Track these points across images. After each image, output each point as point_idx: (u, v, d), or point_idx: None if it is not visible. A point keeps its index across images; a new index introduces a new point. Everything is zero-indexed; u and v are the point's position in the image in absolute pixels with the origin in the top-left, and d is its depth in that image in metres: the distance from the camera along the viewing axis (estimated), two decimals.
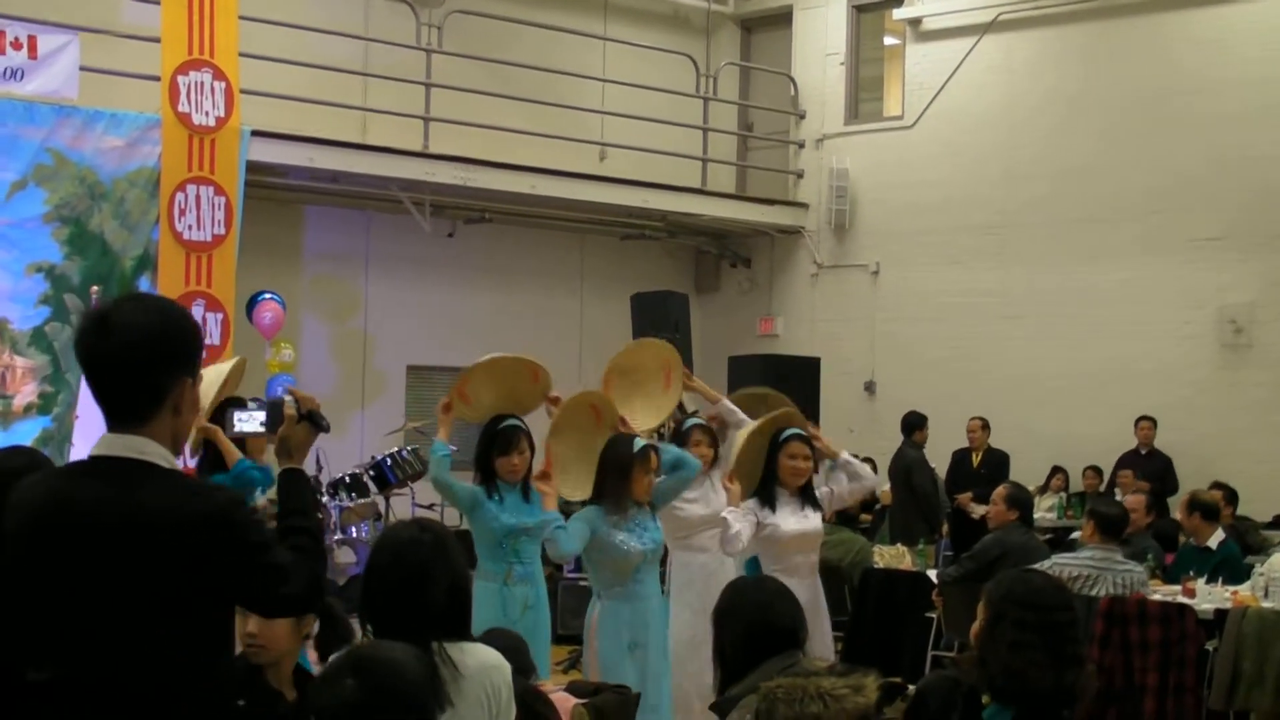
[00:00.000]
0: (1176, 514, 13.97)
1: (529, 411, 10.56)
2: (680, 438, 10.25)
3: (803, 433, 9.87)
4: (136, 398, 4.24)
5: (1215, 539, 13.25)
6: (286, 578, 4.18)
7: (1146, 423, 19.37)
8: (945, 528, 18.23)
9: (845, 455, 10.26)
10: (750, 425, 10.29)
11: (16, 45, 15.88)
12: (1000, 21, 21.79)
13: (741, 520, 9.38)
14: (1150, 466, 18.90)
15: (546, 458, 9.81)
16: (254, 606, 4.49)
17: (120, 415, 4.26)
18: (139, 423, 4.24)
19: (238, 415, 5.03)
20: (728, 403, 10.99)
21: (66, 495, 4.17)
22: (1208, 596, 11.93)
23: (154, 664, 4.05)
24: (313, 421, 4.73)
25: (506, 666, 5.02)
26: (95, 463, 4.25)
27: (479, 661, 4.93)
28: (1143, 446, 19.37)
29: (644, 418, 10.63)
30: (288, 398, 4.77)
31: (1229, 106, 19.68)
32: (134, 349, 4.21)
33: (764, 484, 9.73)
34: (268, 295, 17.32)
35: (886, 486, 18.79)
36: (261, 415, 4.83)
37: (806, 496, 9.77)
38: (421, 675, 4.18)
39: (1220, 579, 12.41)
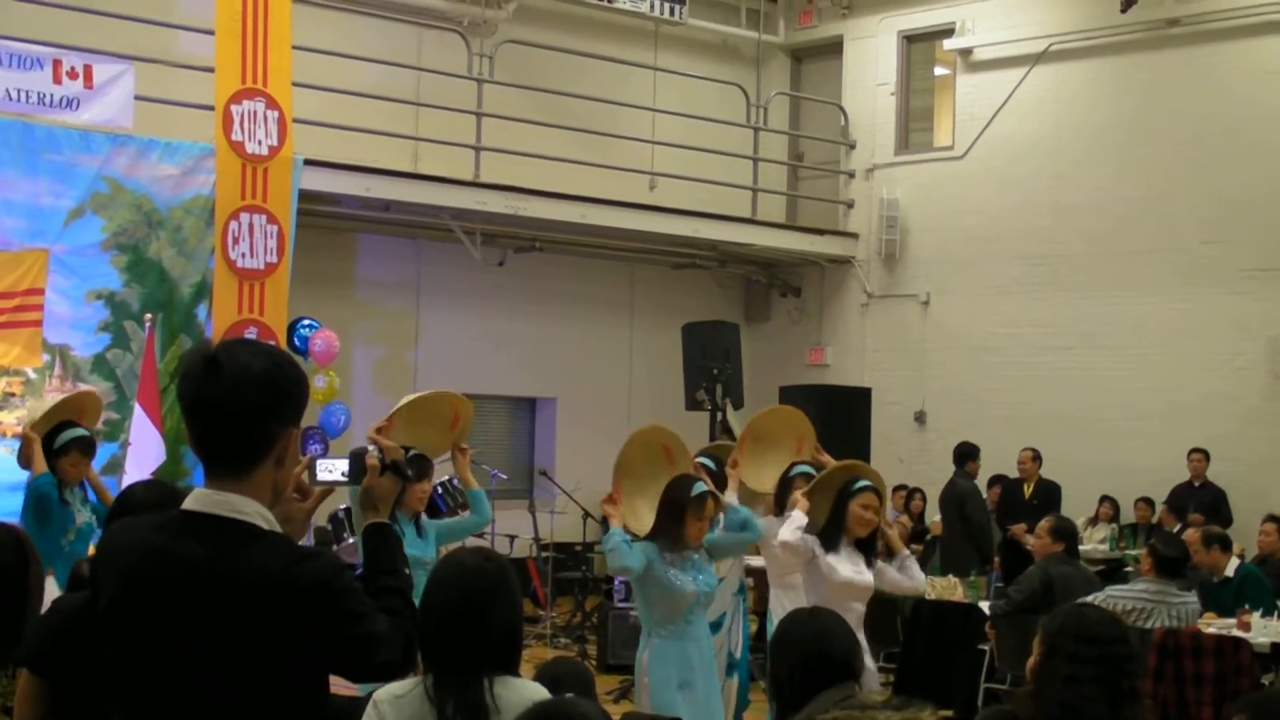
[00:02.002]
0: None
1: (436, 455, 10.71)
2: (785, 484, 10.17)
3: (875, 486, 9.78)
4: (244, 446, 4.06)
5: (1231, 566, 13.25)
6: (382, 646, 4.03)
7: (1199, 455, 19.29)
8: (996, 559, 18.18)
9: (905, 554, 10.18)
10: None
11: (73, 75, 15.98)
12: (1051, 52, 21.77)
13: (800, 537, 9.36)
14: (1202, 498, 18.81)
15: (616, 486, 9.76)
16: (347, 673, 4.29)
17: (223, 463, 4.07)
18: (242, 473, 4.06)
19: (320, 465, 4.61)
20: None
21: (170, 553, 3.99)
22: (1263, 630, 11.89)
23: None
24: (396, 471, 4.55)
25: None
26: (193, 519, 4.06)
27: (521, 697, 4.81)
28: (1195, 479, 19.28)
29: (769, 480, 10.67)
30: (371, 448, 4.63)
31: (1278, 139, 19.62)
32: (246, 394, 4.02)
33: (829, 526, 9.58)
34: (308, 322, 17.36)
35: (937, 517, 18.76)
36: (343, 465, 4.65)
37: (866, 549, 9.60)
38: None
39: (1246, 603, 12.43)
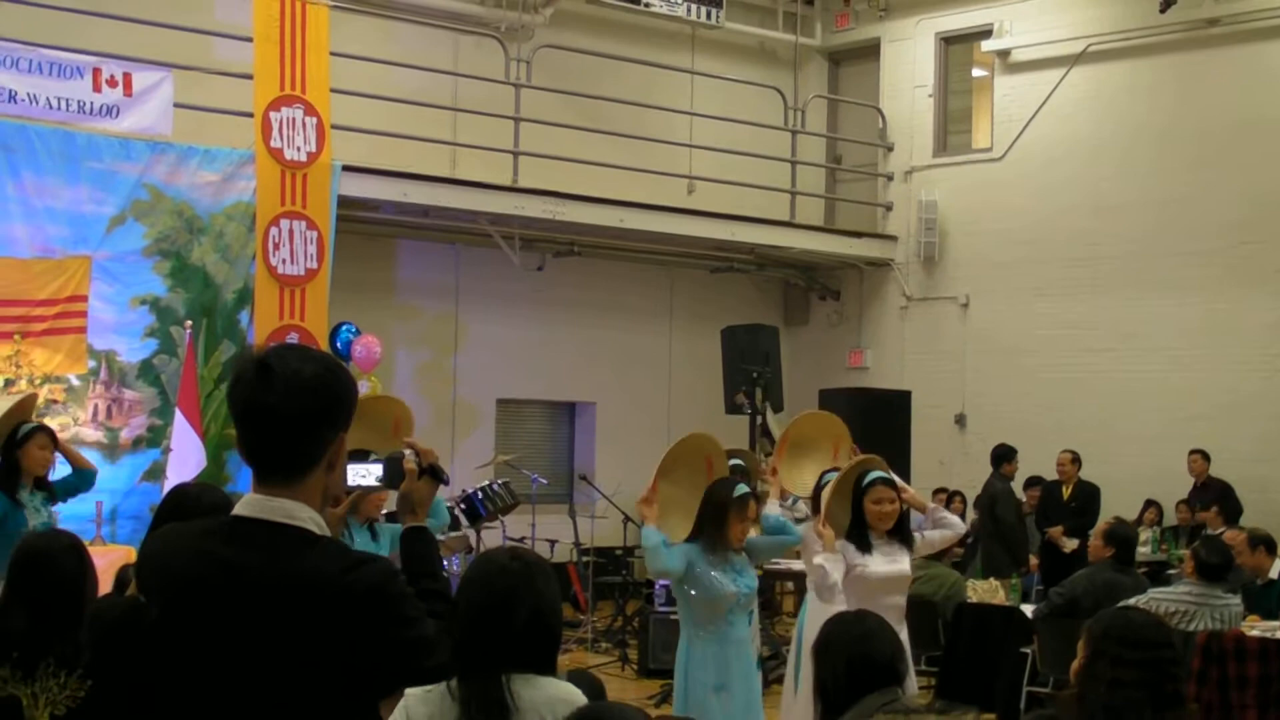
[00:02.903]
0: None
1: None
2: (860, 494, 10.09)
3: (886, 476, 9.79)
4: (296, 452, 4.03)
5: (1276, 568, 13.21)
6: (432, 650, 4.03)
7: (1196, 455, 19.31)
8: (1034, 561, 18.14)
9: (933, 506, 10.18)
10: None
11: (112, 83, 16.04)
12: (1090, 53, 21.71)
13: (837, 568, 9.39)
14: (1204, 496, 18.79)
15: (654, 487, 9.66)
16: (398, 678, 4.22)
17: (274, 469, 4.03)
18: (294, 478, 4.02)
19: (353, 469, 4.57)
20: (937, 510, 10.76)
21: (224, 561, 3.96)
22: None
23: None
24: (434, 475, 4.58)
25: (576, 700, 4.83)
26: (245, 525, 4.03)
27: (546, 695, 4.80)
28: (1197, 479, 19.35)
29: (807, 484, 10.66)
30: (408, 451, 4.61)
31: None
32: (299, 399, 3.99)
33: (854, 527, 9.64)
34: (349, 327, 17.41)
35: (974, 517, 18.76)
36: (378, 470, 4.63)
37: (897, 537, 9.67)
38: None
39: None
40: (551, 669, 4.91)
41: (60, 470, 11.81)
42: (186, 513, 5.28)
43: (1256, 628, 11.71)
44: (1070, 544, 17.69)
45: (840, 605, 9.38)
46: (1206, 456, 19.27)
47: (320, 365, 4.10)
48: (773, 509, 10.00)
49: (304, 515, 4.01)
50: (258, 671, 3.90)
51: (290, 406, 3.99)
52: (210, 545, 4.04)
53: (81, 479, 11.73)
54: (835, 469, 10.30)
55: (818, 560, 9.38)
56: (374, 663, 3.99)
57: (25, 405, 12.08)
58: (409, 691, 4.71)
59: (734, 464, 10.21)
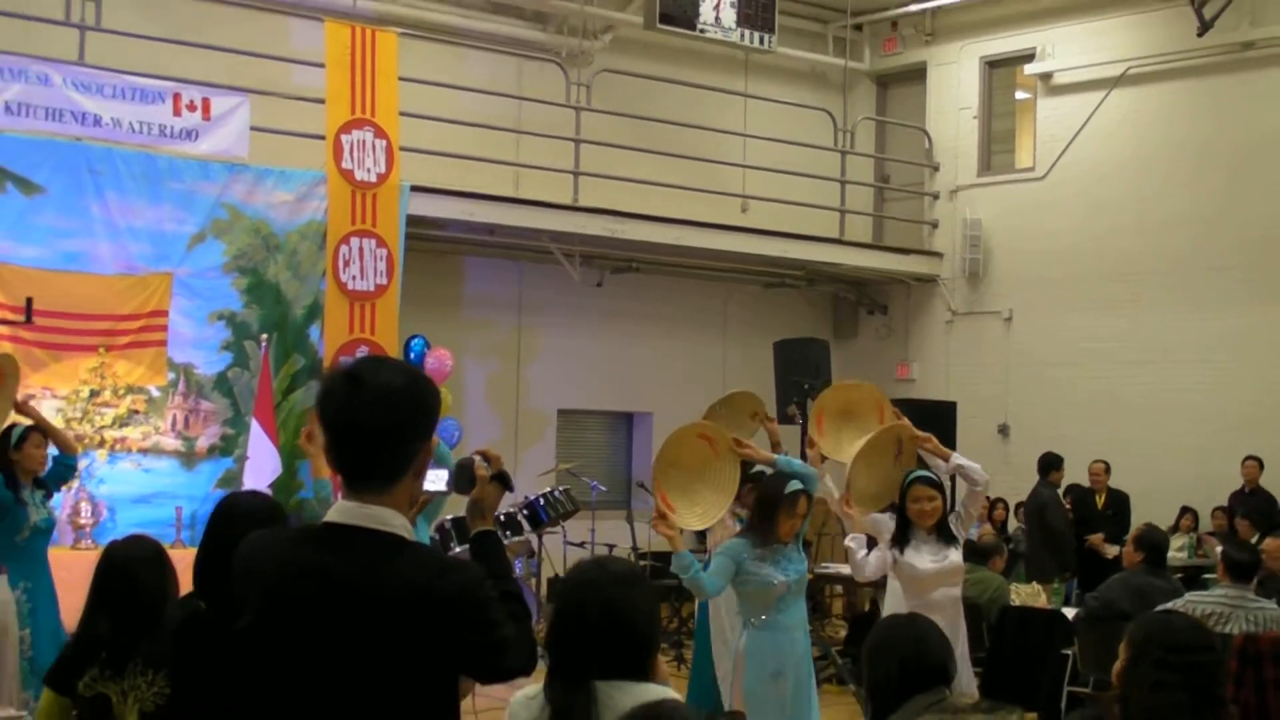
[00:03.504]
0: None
1: None
2: (902, 495, 10.03)
3: (924, 475, 9.81)
4: (386, 461, 4.05)
5: None
6: (512, 651, 4.05)
7: (1253, 461, 19.21)
8: (1074, 567, 18.09)
9: (955, 457, 10.14)
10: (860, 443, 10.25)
11: (191, 107, 16.14)
12: (1129, 75, 21.66)
13: (863, 548, 9.52)
14: (1251, 504, 18.68)
15: (662, 499, 9.56)
16: (478, 675, 4.25)
17: (365, 478, 4.05)
18: (382, 486, 4.04)
19: None
20: (959, 459, 10.42)
21: (321, 567, 3.98)
22: None
23: None
24: (501, 481, 4.59)
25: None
26: (339, 532, 4.04)
27: (634, 700, 4.64)
28: (1248, 485, 19.24)
29: (847, 451, 10.55)
30: (478, 458, 4.61)
31: None
32: (389, 411, 4.01)
33: (900, 530, 9.72)
34: (420, 339, 17.45)
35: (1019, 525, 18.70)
36: (444, 474, 4.63)
37: (941, 534, 9.70)
38: None
39: None
40: (643, 675, 4.86)
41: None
42: (235, 522, 5.30)
43: None
44: (1112, 550, 17.61)
45: (871, 576, 9.50)
46: (1261, 464, 19.19)
47: (408, 377, 4.12)
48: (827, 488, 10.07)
49: (396, 522, 4.03)
50: (349, 671, 3.92)
51: (382, 419, 4.01)
52: (305, 551, 4.06)
53: (64, 465, 11.77)
54: (921, 470, 10.18)
55: (846, 542, 9.47)
56: (459, 662, 4.03)
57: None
58: (514, 698, 4.71)
59: (756, 471, 10.10)
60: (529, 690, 4.75)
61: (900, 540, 9.64)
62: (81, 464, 15.52)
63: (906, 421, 10.54)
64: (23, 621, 10.81)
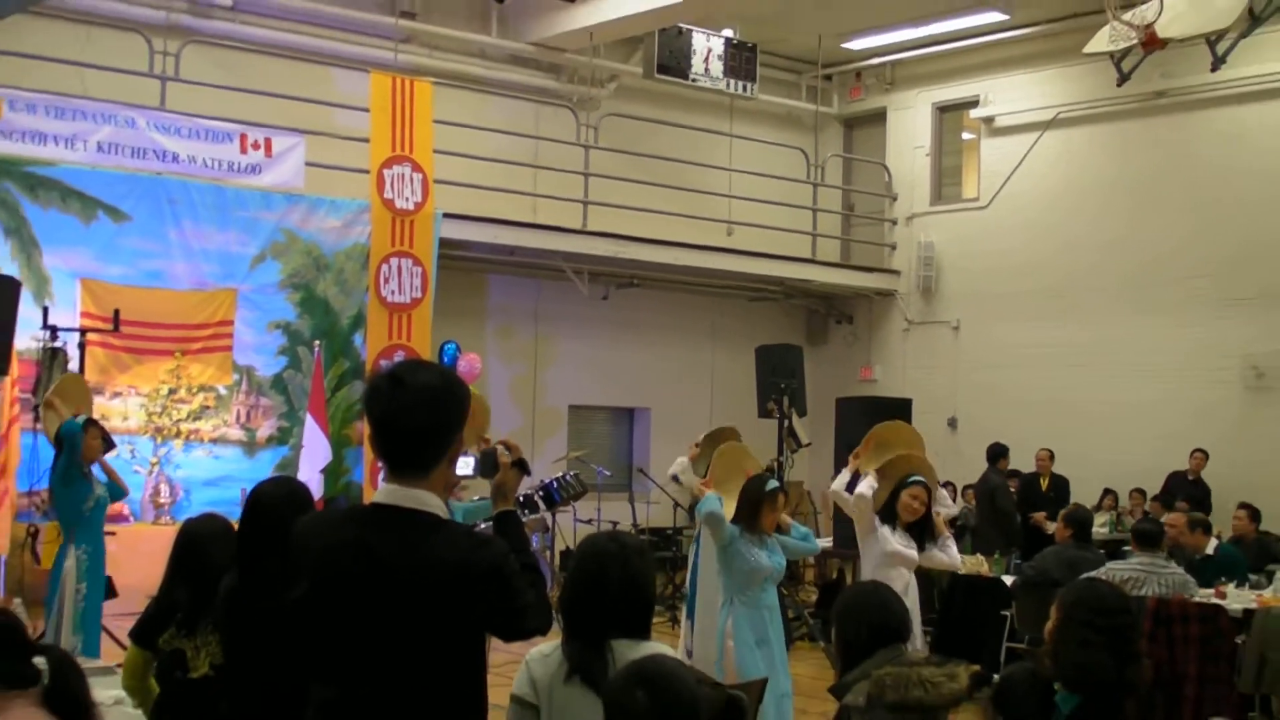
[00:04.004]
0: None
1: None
2: (900, 486, 10.10)
3: (924, 481, 9.94)
4: (425, 451, 4.05)
5: (1210, 546, 13.25)
6: (533, 615, 4.05)
7: (1200, 454, 19.17)
8: (1019, 542, 18.07)
9: (947, 536, 10.23)
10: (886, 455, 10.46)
11: (255, 146, 16.19)
12: (1059, 119, 21.67)
13: (870, 484, 9.86)
14: (1192, 491, 18.63)
15: (708, 482, 9.95)
16: (502, 635, 4.22)
17: (405, 466, 4.05)
18: (421, 473, 4.05)
19: None
20: (943, 491, 11.12)
21: (368, 543, 3.97)
22: (1237, 598, 11.84)
23: (426, 685, 3.94)
24: (521, 467, 4.58)
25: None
26: (383, 512, 4.05)
27: (641, 655, 4.62)
28: (1192, 473, 19.15)
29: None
30: (500, 447, 4.61)
31: (1250, 190, 19.62)
32: (427, 407, 4.02)
33: (885, 511, 9.87)
34: (452, 344, 17.46)
35: (960, 505, 18.71)
36: (471, 461, 4.63)
37: (914, 533, 9.84)
38: (695, 684, 4.07)
39: (1222, 577, 12.45)
40: (646, 633, 4.86)
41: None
42: (266, 504, 5.31)
43: (1196, 595, 11.70)
44: (1053, 527, 17.60)
45: (859, 502, 9.77)
46: (1206, 456, 19.18)
47: (443, 378, 4.13)
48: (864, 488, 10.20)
49: (433, 503, 4.04)
50: (392, 632, 3.93)
51: (421, 415, 4.03)
52: (353, 529, 4.07)
53: (114, 493, 11.79)
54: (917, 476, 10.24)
55: (861, 489, 9.81)
56: (486, 624, 4.04)
57: (79, 389, 12.36)
58: (530, 654, 4.71)
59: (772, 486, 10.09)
60: (544, 648, 4.74)
61: (886, 520, 9.82)
62: (160, 452, 15.68)
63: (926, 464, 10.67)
64: (80, 576, 11.08)
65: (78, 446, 11.14)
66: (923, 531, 9.89)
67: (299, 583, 4.13)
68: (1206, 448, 19.18)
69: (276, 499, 5.32)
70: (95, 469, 11.42)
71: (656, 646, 4.77)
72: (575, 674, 4.68)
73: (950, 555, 10.19)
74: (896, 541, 9.73)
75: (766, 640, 9.04)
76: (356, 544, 4.00)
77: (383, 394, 4.06)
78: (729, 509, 9.42)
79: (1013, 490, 18.68)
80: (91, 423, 11.48)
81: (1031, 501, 18.81)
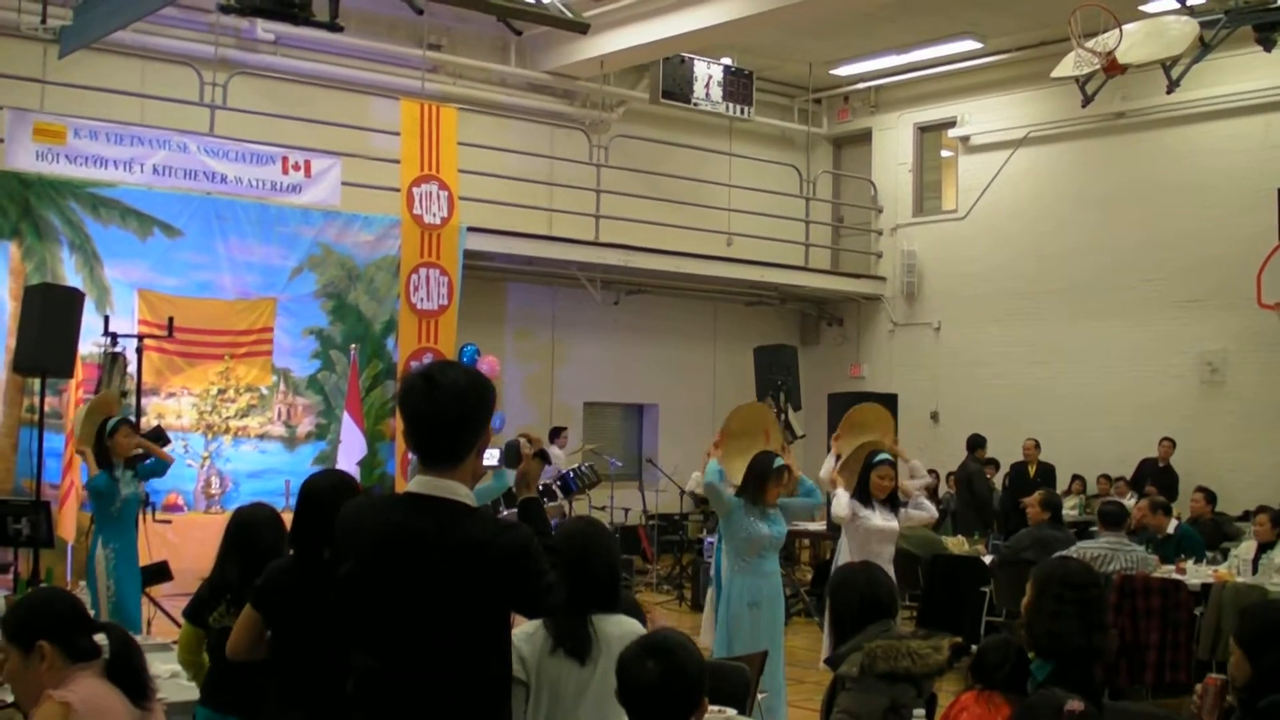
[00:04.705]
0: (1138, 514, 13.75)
1: None
2: (869, 469, 10.16)
3: (889, 459, 10.06)
4: (456, 444, 4.03)
5: (1171, 526, 13.31)
6: (554, 592, 4.02)
7: (1167, 442, 19.23)
8: (998, 524, 18.05)
9: (916, 494, 10.37)
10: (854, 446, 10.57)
11: (295, 167, 16.20)
12: (1029, 138, 21.69)
13: (846, 497, 9.93)
14: (1162, 478, 18.67)
15: (720, 440, 9.92)
16: (526, 611, 4.28)
17: (437, 458, 4.04)
18: (451, 465, 4.03)
19: None
20: (915, 462, 11.61)
21: (408, 527, 3.97)
22: (1195, 574, 11.88)
23: (457, 656, 3.95)
24: (542, 457, 4.58)
25: (639, 632, 4.73)
26: (420, 500, 4.03)
27: (622, 630, 4.75)
28: (1161, 460, 19.20)
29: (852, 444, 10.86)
30: (522, 440, 4.62)
31: (1201, 202, 19.67)
32: (458, 403, 4.00)
33: (860, 491, 9.96)
34: (472, 347, 17.47)
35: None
36: (496, 453, 4.62)
37: (890, 505, 9.99)
38: (700, 656, 4.07)
39: (1182, 554, 12.57)
40: (617, 608, 4.89)
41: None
42: (319, 493, 5.33)
43: (1158, 571, 11.72)
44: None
45: (842, 511, 9.92)
46: (1174, 443, 19.22)
47: (471, 376, 4.11)
48: (827, 466, 10.65)
49: (463, 492, 4.03)
50: (428, 606, 3.93)
51: (451, 410, 4.01)
52: (393, 514, 4.06)
53: (159, 465, 11.48)
54: (884, 452, 10.29)
55: (837, 514, 9.98)
56: (514, 601, 4.04)
57: (107, 401, 12.07)
58: (515, 634, 4.70)
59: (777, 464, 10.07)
60: (526, 627, 4.73)
61: (863, 501, 9.91)
62: (211, 448, 15.68)
63: (895, 444, 11.06)
64: (108, 572, 10.69)
65: (104, 494, 10.88)
66: (895, 500, 10.05)
67: (345, 561, 4.14)
68: (1165, 435, 19.19)
69: (325, 489, 5.33)
70: (121, 470, 11.02)
71: (628, 620, 4.83)
72: (560, 646, 4.69)
73: (926, 509, 10.46)
74: (879, 519, 9.85)
75: (758, 604, 9.02)
76: (398, 526, 4.00)
77: (416, 391, 4.04)
78: (737, 470, 9.43)
79: (990, 477, 18.70)
80: (123, 422, 11.24)
81: (1021, 488, 18.78)
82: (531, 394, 20.81)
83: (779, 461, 9.23)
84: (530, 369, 20.96)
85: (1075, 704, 4.44)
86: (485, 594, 3.95)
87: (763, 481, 9.12)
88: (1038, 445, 19.32)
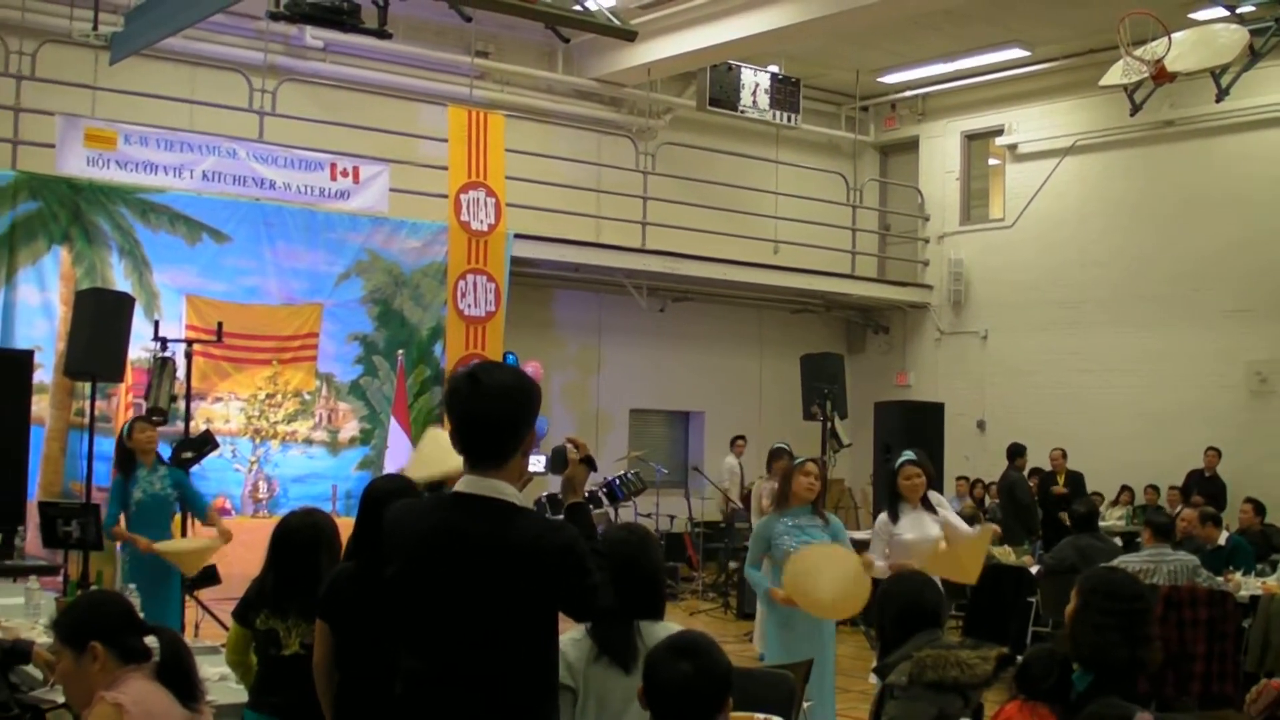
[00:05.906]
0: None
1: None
2: (894, 474, 9.77)
3: (914, 458, 9.43)
4: (503, 443, 4.04)
5: (1222, 538, 13.26)
6: (602, 594, 4.04)
7: (1213, 452, 19.13)
8: (1040, 532, 17.99)
9: (942, 502, 9.71)
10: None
11: (344, 174, 16.30)
12: (1077, 146, 21.61)
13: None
14: (1208, 487, 18.59)
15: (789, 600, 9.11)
16: (575, 613, 4.26)
17: (485, 457, 4.04)
18: (498, 464, 4.04)
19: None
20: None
21: (455, 527, 3.99)
22: (1245, 585, 11.81)
23: (505, 658, 3.95)
24: (588, 463, 4.55)
25: None
26: (468, 500, 4.05)
27: (667, 633, 4.59)
28: (1207, 470, 19.12)
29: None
30: (569, 445, 4.58)
31: (1252, 211, 19.58)
32: (504, 403, 4.04)
33: (890, 501, 9.45)
34: (511, 355, 17.52)
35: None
36: (542, 459, 4.62)
37: (927, 507, 9.31)
38: (727, 657, 4.08)
39: (1230, 565, 12.51)
40: (661, 614, 4.89)
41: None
42: (380, 494, 5.37)
43: (1207, 582, 11.64)
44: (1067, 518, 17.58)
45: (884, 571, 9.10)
46: (1219, 453, 19.13)
47: (516, 377, 4.15)
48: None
49: (509, 492, 4.04)
50: (477, 606, 3.94)
51: (497, 410, 4.04)
52: (440, 515, 4.08)
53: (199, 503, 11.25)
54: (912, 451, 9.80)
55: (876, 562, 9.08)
56: (562, 600, 4.04)
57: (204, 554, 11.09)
58: (561, 639, 4.72)
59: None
60: (573, 633, 4.73)
61: (892, 513, 9.32)
62: (258, 452, 15.78)
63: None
64: (126, 577, 10.33)
65: (111, 496, 10.66)
66: (928, 503, 9.34)
67: (393, 562, 4.15)
68: (1215, 447, 19.08)
69: (388, 494, 5.36)
70: (146, 470, 10.71)
71: (675, 626, 4.79)
72: (605, 653, 4.70)
73: (959, 524, 9.55)
74: (910, 532, 9.16)
75: (804, 618, 8.84)
76: (446, 527, 4.02)
77: (463, 392, 4.06)
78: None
79: (1032, 486, 18.64)
80: (138, 419, 11.07)
81: (1047, 498, 18.72)
82: (575, 400, 20.85)
83: (800, 459, 9.16)
84: (575, 376, 21.00)
85: (1145, 715, 4.43)
86: (533, 593, 3.96)
87: (789, 475, 9.05)
88: (1065, 455, 19.20)
